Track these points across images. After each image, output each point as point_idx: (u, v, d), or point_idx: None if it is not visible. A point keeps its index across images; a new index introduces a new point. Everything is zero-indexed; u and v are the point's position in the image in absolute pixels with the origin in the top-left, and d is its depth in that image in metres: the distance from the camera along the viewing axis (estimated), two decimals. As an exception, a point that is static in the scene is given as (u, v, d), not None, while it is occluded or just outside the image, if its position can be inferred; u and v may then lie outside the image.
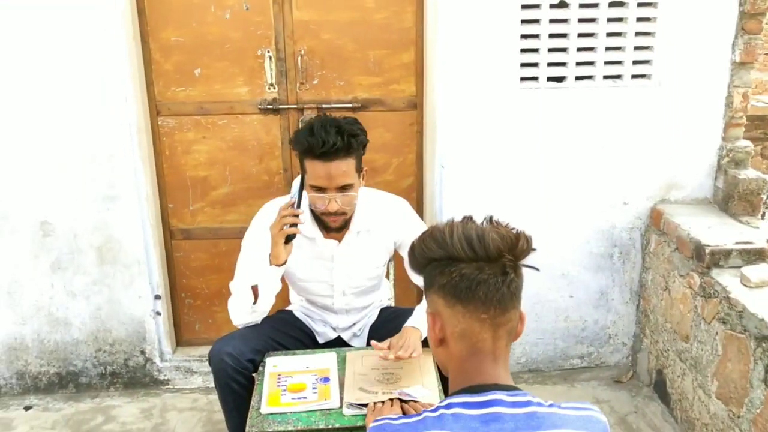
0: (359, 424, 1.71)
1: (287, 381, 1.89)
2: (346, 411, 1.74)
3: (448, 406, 1.13)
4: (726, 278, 2.34)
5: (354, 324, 2.27)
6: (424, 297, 1.38)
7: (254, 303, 2.05)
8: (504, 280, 1.16)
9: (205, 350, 2.95)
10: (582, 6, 2.61)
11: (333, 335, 2.27)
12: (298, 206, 1.96)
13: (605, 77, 2.70)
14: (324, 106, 2.72)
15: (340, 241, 2.11)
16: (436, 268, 1.20)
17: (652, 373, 2.89)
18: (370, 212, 2.12)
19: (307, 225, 2.07)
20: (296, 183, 2.00)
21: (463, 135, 2.70)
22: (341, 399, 1.79)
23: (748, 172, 2.73)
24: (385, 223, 2.16)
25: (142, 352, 2.91)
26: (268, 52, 2.67)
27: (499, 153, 2.73)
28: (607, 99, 2.72)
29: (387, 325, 2.24)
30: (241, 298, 2.07)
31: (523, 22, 2.62)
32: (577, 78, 2.70)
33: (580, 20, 2.63)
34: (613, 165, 2.79)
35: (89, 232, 2.72)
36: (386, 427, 1.16)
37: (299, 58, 2.67)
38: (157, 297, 2.84)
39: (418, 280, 1.76)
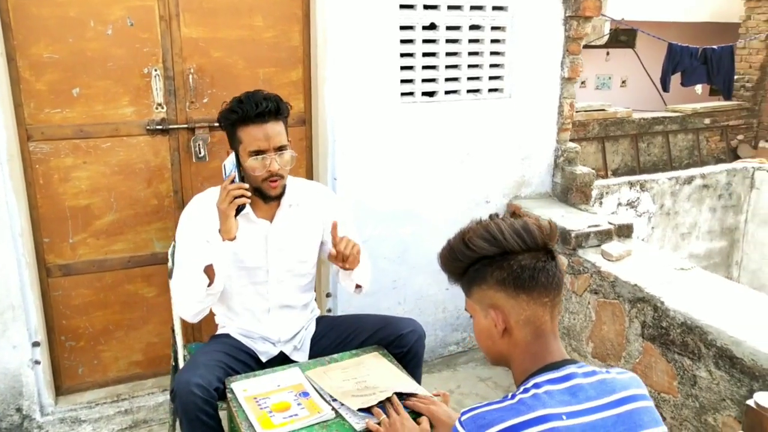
0: (362, 429, 1.69)
1: (267, 402, 1.79)
2: (356, 422, 1.70)
3: (537, 386, 1.20)
4: (591, 256, 2.71)
5: (294, 336, 2.21)
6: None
7: (209, 285, 1.93)
8: (555, 264, 1.28)
9: (93, 395, 2.66)
10: (448, 28, 2.84)
11: (275, 351, 2.17)
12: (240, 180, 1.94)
13: (468, 91, 2.96)
14: (216, 124, 2.57)
15: (272, 221, 2.08)
16: (489, 265, 1.26)
17: (520, 347, 3.22)
18: (298, 188, 2.14)
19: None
20: (230, 162, 1.97)
21: (353, 147, 2.76)
22: (333, 410, 1.75)
23: (580, 168, 3.18)
24: (313, 199, 2.17)
25: (18, 410, 2.48)
26: (156, 70, 2.46)
27: (385, 162, 2.84)
28: (470, 110, 2.97)
29: (328, 334, 2.23)
30: (194, 284, 1.93)
31: (402, 41, 2.76)
32: (446, 92, 2.92)
33: (447, 41, 2.85)
34: (477, 167, 3.05)
35: (-50, 279, 2.26)
36: (485, 415, 1.18)
37: (189, 76, 2.50)
38: (36, 344, 2.44)
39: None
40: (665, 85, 7.67)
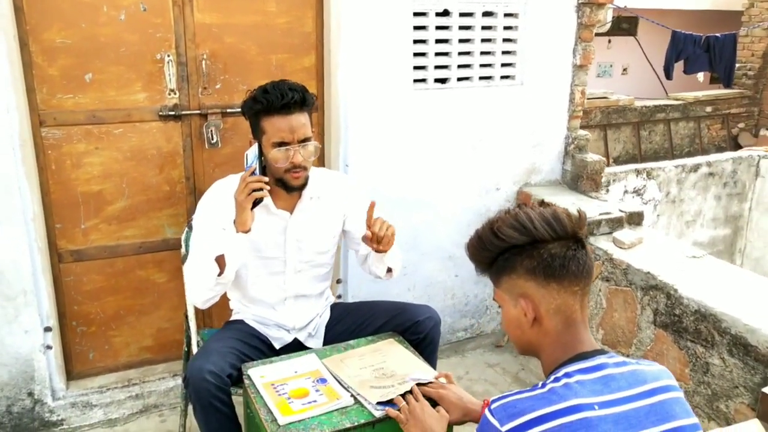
0: (382, 415, 1.68)
1: (285, 388, 1.78)
2: (375, 408, 1.69)
3: (569, 375, 1.19)
4: (602, 243, 2.70)
5: (308, 323, 2.20)
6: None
7: (219, 275, 1.91)
8: (585, 253, 1.27)
9: (104, 380, 2.66)
10: (461, 15, 2.80)
11: (289, 338, 2.16)
12: (261, 174, 1.90)
13: (480, 78, 2.93)
14: (228, 110, 2.55)
15: (292, 212, 2.05)
16: (518, 254, 1.25)
17: (528, 334, 3.22)
18: (319, 180, 2.10)
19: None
20: (252, 153, 1.92)
21: (365, 134, 2.73)
22: (351, 396, 1.75)
23: (591, 156, 3.16)
24: (334, 189, 2.14)
25: (30, 394, 2.47)
26: (168, 56, 2.42)
27: (397, 149, 2.82)
28: (482, 97, 2.94)
29: (343, 320, 2.22)
30: (204, 271, 1.92)
31: (415, 28, 2.73)
32: (458, 79, 2.89)
33: (460, 27, 2.82)
34: (488, 155, 3.03)
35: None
36: (516, 403, 1.17)
37: (202, 62, 2.47)
38: (47, 329, 2.43)
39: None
40: (668, 73, 7.64)
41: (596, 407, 1.14)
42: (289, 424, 1.65)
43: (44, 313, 2.41)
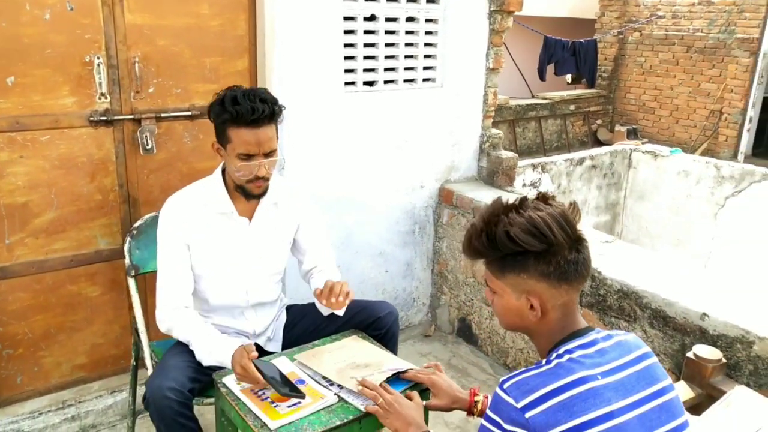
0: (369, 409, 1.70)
1: (267, 393, 1.75)
2: (359, 403, 1.70)
3: (570, 352, 1.28)
4: (526, 234, 2.87)
5: (267, 328, 2.16)
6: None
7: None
8: (588, 250, 1.31)
9: (35, 404, 2.47)
10: (387, 20, 2.86)
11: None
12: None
13: (404, 81, 3.01)
14: (163, 115, 2.44)
15: (251, 219, 2.02)
16: (533, 258, 1.26)
17: (454, 323, 3.35)
18: (277, 187, 2.07)
19: (222, 200, 1.97)
20: (270, 370, 1.75)
21: (299, 136, 2.72)
22: (335, 394, 1.75)
23: (505, 153, 3.34)
24: (290, 198, 2.11)
25: (-49, 428, 2.24)
26: (98, 58, 2.27)
27: (330, 150, 2.83)
28: (406, 99, 3.02)
29: (300, 322, 2.20)
30: (185, 338, 1.92)
31: (345, 32, 2.75)
32: (385, 82, 2.95)
33: (386, 32, 2.88)
34: (412, 154, 3.12)
35: None
36: (528, 380, 1.24)
37: (135, 64, 2.34)
38: (-28, 355, 2.22)
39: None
40: (542, 75, 8.17)
41: (599, 377, 1.24)
42: (281, 427, 1.62)
43: (-33, 337, 2.19)
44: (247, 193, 1.95)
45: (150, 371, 2.09)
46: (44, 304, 2.40)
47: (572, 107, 9.51)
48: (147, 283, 2.40)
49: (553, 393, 1.20)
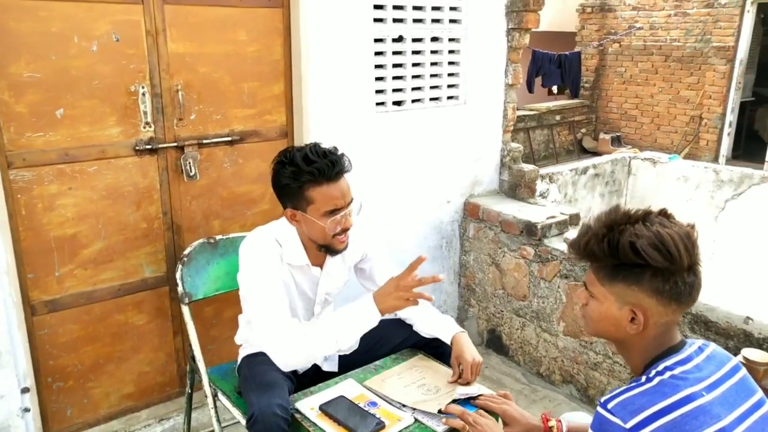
0: (445, 430, 1.67)
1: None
2: (435, 424, 1.67)
3: (670, 368, 1.24)
4: (557, 244, 2.87)
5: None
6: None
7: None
8: (701, 276, 1.26)
9: (86, 437, 2.37)
10: (414, 40, 2.86)
11: (308, 365, 2.08)
12: None
13: (430, 99, 3.00)
14: (204, 141, 2.40)
15: (322, 267, 1.99)
16: (649, 273, 1.22)
17: (483, 334, 3.32)
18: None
19: (298, 254, 1.92)
20: (343, 412, 1.73)
21: (334, 158, 2.69)
22: (412, 416, 1.71)
23: (525, 166, 3.34)
24: (354, 237, 2.04)
25: (6, 464, 2.15)
26: (143, 87, 2.23)
27: (362, 169, 2.79)
28: (433, 117, 3.02)
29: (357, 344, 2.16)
30: (320, 344, 1.83)
31: (376, 54, 2.74)
32: (412, 101, 2.94)
33: (413, 52, 2.87)
34: (439, 170, 3.11)
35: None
36: (633, 400, 1.20)
37: (177, 92, 2.30)
38: (25, 390, 2.13)
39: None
40: (530, 87, 8.23)
41: (704, 393, 1.21)
42: (365, 452, 1.59)
43: (21, 373, 2.11)
44: (332, 249, 1.91)
45: (210, 398, 2.04)
46: (93, 335, 2.33)
47: (558, 117, 9.59)
48: (196, 310, 2.35)
49: (662, 412, 1.17)
